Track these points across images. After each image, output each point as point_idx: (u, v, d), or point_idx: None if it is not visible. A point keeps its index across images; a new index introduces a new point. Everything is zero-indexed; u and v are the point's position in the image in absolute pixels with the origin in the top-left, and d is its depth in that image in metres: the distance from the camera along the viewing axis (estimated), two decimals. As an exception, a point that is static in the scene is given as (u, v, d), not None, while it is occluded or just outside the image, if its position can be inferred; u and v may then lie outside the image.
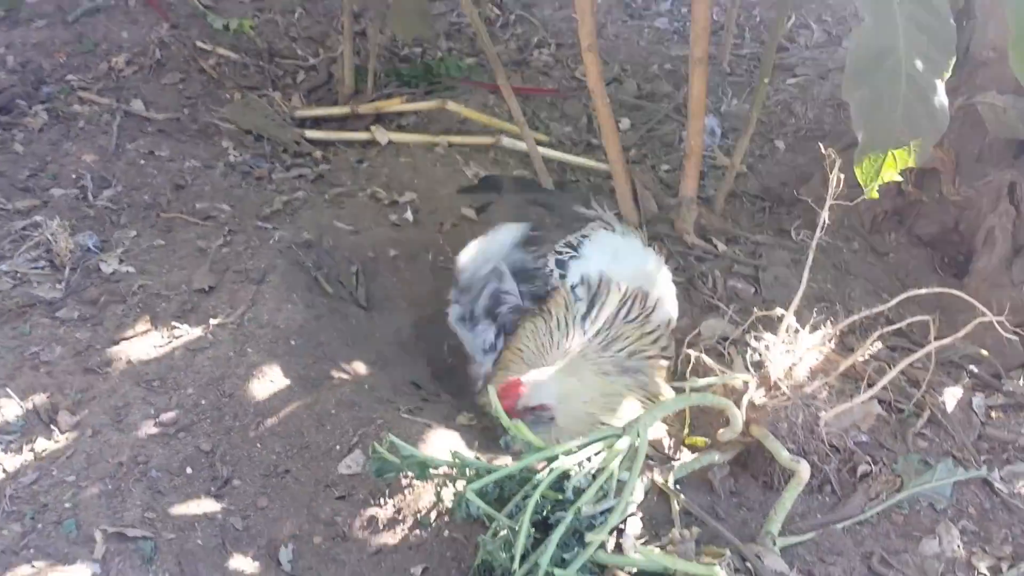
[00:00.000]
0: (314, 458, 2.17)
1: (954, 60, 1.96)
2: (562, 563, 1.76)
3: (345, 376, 2.44)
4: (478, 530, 1.91)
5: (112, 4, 4.05)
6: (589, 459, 1.92)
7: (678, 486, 2.05)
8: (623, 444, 1.93)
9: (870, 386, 2.02)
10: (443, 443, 2.17)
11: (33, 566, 1.84)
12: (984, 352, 2.54)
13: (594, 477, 1.87)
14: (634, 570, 1.80)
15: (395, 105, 3.73)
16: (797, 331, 2.09)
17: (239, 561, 1.94)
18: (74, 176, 3.17)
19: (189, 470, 2.11)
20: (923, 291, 2.08)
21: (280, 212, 3.10)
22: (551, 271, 2.55)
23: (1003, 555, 2.00)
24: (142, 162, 3.25)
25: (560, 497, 1.85)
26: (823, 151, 2.05)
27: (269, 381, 2.32)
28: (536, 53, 4.28)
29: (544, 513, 1.84)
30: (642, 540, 1.83)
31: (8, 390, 2.26)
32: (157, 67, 3.79)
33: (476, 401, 2.52)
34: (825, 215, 2.03)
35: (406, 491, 2.07)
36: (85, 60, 3.82)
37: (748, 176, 3.46)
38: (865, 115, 1.95)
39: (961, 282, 2.80)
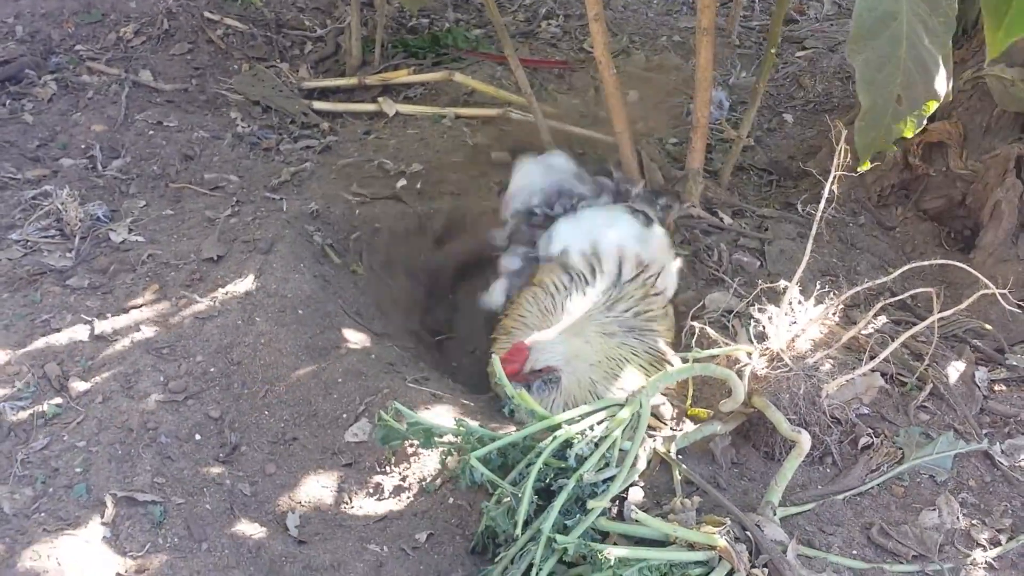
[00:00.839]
0: (321, 426, 2.21)
1: (954, 29, 1.96)
2: (564, 529, 1.78)
3: (352, 345, 2.46)
4: (482, 497, 1.93)
5: (120, -26, 4.05)
6: (592, 428, 1.94)
7: (680, 456, 2.06)
8: (625, 413, 1.95)
9: (872, 358, 2.02)
10: (448, 412, 2.20)
11: (44, 529, 1.87)
12: (988, 326, 2.54)
13: (596, 446, 1.89)
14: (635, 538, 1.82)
15: (402, 76, 3.73)
16: (801, 303, 2.09)
17: (247, 526, 1.97)
18: (83, 146, 3.19)
19: (198, 436, 2.14)
20: (927, 263, 2.09)
21: (288, 183, 3.12)
22: (549, 237, 2.61)
23: (1002, 527, 2.01)
24: (151, 132, 3.27)
25: (563, 465, 1.87)
26: (830, 123, 2.04)
27: (277, 350, 2.34)
28: (544, 25, 4.27)
29: (547, 480, 1.86)
30: (644, 509, 1.84)
31: (19, 357, 2.29)
32: (165, 37, 3.80)
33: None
34: (830, 188, 2.02)
35: (411, 459, 2.10)
36: (94, 30, 3.82)
37: (755, 149, 3.45)
38: (868, 78, 1.95)
39: (967, 256, 2.80)
